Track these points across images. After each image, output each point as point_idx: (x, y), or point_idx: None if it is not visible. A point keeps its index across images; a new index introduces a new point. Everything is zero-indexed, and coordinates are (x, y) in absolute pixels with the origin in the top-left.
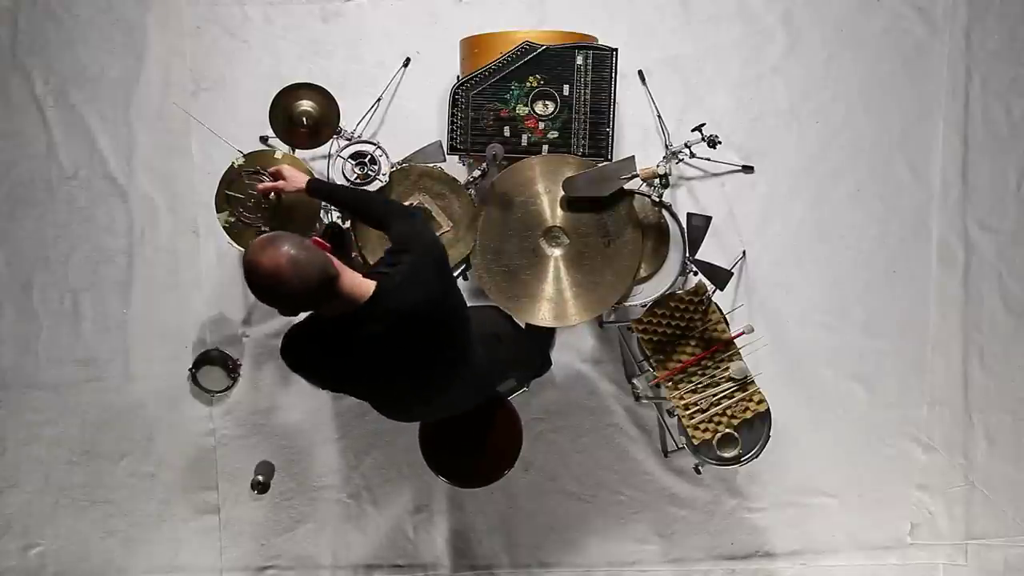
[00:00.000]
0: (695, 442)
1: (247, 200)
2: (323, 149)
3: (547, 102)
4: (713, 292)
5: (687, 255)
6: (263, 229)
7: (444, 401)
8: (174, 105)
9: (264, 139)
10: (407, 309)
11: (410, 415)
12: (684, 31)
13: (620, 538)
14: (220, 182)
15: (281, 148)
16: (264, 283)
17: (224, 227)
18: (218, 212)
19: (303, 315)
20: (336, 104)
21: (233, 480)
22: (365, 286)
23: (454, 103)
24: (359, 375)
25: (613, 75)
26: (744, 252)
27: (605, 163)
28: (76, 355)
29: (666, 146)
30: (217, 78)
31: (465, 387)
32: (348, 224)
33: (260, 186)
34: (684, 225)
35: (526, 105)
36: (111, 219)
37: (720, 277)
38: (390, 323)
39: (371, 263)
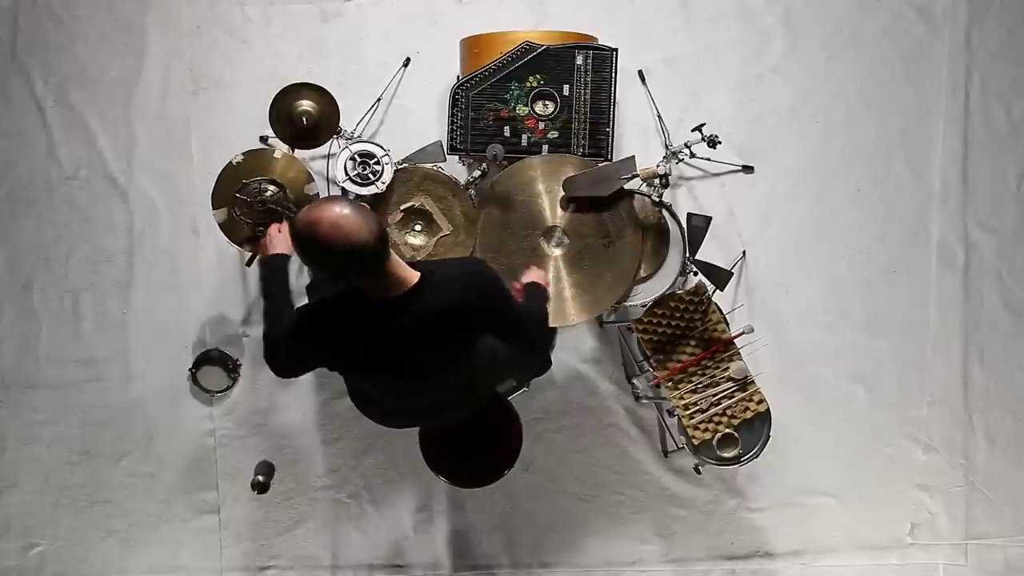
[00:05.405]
0: (695, 442)
1: (250, 202)
2: (323, 149)
3: (547, 102)
4: (713, 292)
5: (687, 255)
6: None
7: (436, 414)
8: (173, 105)
9: (264, 139)
10: (438, 307)
11: (398, 421)
12: (684, 31)
13: (620, 538)
14: (218, 179)
15: (281, 148)
16: (327, 235)
17: (220, 224)
18: (215, 208)
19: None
20: (336, 104)
21: (233, 480)
22: (410, 276)
23: (454, 103)
24: (367, 364)
25: (613, 75)
26: (744, 252)
27: (605, 163)
28: (76, 355)
29: (666, 146)
30: (217, 78)
31: (461, 409)
32: None
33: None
34: (684, 225)
35: (526, 105)
36: (111, 219)
37: (720, 277)
38: (419, 319)
39: None
